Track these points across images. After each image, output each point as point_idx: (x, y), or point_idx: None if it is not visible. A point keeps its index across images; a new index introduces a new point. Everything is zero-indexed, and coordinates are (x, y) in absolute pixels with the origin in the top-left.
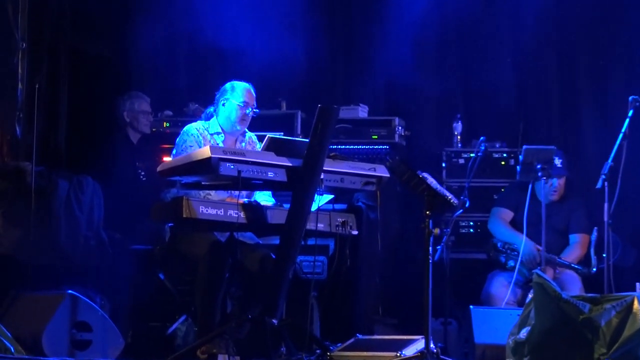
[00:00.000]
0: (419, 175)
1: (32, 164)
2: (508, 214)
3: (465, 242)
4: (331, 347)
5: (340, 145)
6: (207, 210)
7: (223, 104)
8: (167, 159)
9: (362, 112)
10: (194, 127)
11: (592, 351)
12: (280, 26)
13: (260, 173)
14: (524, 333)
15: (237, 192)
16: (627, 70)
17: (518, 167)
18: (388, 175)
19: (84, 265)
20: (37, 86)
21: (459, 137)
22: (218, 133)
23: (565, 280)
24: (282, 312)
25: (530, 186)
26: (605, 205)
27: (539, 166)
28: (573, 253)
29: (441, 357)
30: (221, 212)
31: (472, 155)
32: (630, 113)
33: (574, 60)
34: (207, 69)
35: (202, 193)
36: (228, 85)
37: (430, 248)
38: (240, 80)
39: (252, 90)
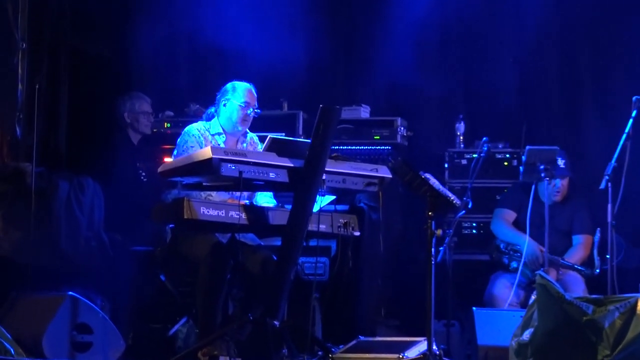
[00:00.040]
0: (422, 176)
1: (32, 165)
2: (511, 215)
3: (468, 243)
4: (333, 349)
5: (342, 146)
6: (208, 212)
7: (224, 105)
8: (168, 159)
9: (364, 112)
10: (195, 128)
11: (596, 353)
12: (282, 26)
13: (261, 174)
14: (527, 335)
15: (238, 193)
16: (630, 70)
17: (521, 168)
18: (390, 176)
19: (84, 267)
20: (37, 86)
21: (461, 137)
22: (219, 133)
23: (569, 281)
24: (283, 314)
25: (533, 187)
26: (609, 206)
27: (541, 167)
28: (576, 254)
29: (444, 359)
30: (222, 213)
31: (474, 155)
32: (634, 113)
33: (576, 60)
34: (208, 69)
35: (203, 194)
36: (229, 85)
37: (433, 249)
38: (242, 81)
39: (254, 91)
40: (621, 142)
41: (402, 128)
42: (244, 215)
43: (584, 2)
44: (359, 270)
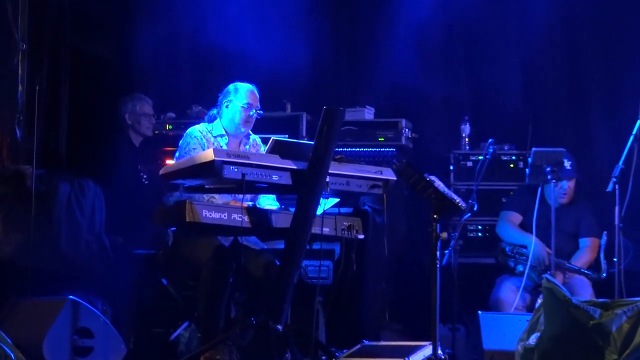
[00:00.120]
0: (426, 178)
1: (32, 168)
2: (517, 218)
3: (474, 246)
4: (337, 353)
5: (346, 148)
6: (210, 214)
7: (226, 106)
8: (169, 161)
9: (369, 114)
10: (197, 130)
11: (603, 357)
12: (285, 27)
13: (264, 176)
14: (533, 339)
15: (241, 196)
16: (637, 71)
17: (527, 170)
18: (395, 178)
19: (85, 270)
20: (37, 88)
21: (466, 139)
22: (222, 135)
23: (576, 285)
24: (287, 318)
25: (539, 189)
26: (616, 208)
27: (548, 169)
28: (583, 258)
29: None
30: (225, 216)
31: (480, 157)
32: None
33: (582, 61)
34: (210, 70)
35: (205, 196)
36: (231, 86)
37: (438, 252)
38: (244, 82)
39: (256, 92)
40: (628, 144)
41: (406, 130)
42: (246, 218)
43: (590, 2)
44: (363, 274)
